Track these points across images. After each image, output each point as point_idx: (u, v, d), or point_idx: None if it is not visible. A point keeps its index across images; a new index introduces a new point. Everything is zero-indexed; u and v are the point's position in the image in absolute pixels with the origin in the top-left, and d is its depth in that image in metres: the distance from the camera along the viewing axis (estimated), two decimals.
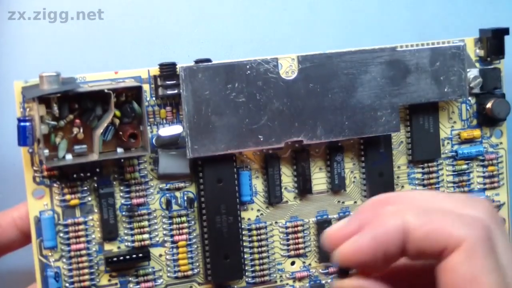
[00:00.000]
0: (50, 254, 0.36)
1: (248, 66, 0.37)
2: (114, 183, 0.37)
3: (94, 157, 0.35)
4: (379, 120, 0.39)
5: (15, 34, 0.41)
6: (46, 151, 0.35)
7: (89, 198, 0.37)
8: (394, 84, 0.39)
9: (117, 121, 0.36)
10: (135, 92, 0.36)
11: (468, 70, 0.41)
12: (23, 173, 0.37)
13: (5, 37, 0.41)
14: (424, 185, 0.42)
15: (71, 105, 0.35)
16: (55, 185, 0.36)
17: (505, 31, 0.42)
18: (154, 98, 0.37)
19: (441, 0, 0.47)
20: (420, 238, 0.27)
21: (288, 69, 0.39)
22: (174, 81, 0.37)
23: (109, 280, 0.38)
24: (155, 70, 0.37)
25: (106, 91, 0.35)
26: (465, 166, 0.43)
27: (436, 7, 0.47)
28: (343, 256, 0.28)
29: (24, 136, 0.34)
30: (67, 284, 0.37)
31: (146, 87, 0.37)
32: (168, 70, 0.37)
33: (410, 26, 0.47)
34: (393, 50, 0.39)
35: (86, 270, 0.37)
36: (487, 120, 0.43)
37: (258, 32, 0.44)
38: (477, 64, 0.43)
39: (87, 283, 0.37)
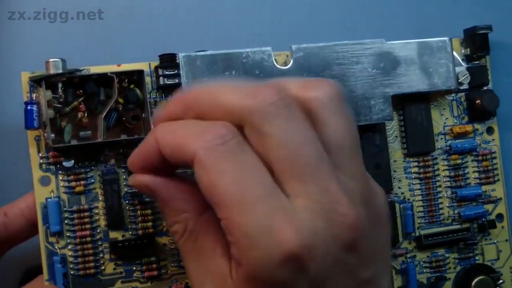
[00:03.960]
0: (56, 241, 0.40)
1: (244, 55, 0.42)
2: (118, 171, 0.41)
3: (99, 139, 0.40)
4: (373, 109, 0.44)
5: (15, 34, 0.44)
6: (52, 135, 0.39)
7: (94, 185, 0.41)
8: (385, 75, 0.44)
9: (120, 107, 0.40)
10: (137, 78, 0.41)
11: (456, 68, 0.47)
12: (22, 174, 0.41)
13: (5, 37, 0.44)
14: (420, 179, 0.47)
15: (76, 91, 0.40)
16: (61, 172, 0.40)
17: (488, 28, 0.48)
18: (155, 90, 0.42)
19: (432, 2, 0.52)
20: (168, 153, 0.33)
21: (283, 63, 0.44)
22: (175, 71, 0.42)
23: (114, 269, 0.41)
24: (156, 63, 0.42)
25: (109, 74, 0.40)
26: (459, 161, 0.48)
27: (429, 8, 0.52)
28: (128, 164, 0.36)
29: (31, 119, 0.39)
30: (72, 272, 0.40)
31: (147, 79, 0.42)
32: (168, 60, 0.42)
33: (409, 26, 0.51)
34: (382, 43, 0.45)
35: (91, 258, 0.40)
36: (478, 115, 0.48)
37: (259, 33, 0.48)
38: (464, 64, 0.48)
39: (92, 271, 0.40)
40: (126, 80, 0.41)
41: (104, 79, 0.40)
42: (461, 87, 0.47)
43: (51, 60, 0.39)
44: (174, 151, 0.33)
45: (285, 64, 0.43)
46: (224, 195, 0.31)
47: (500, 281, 0.47)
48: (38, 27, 0.45)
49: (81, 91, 0.40)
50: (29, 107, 0.39)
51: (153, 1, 0.47)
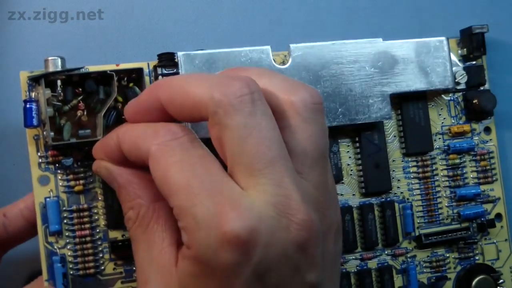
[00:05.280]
0: (55, 240, 0.40)
1: (242, 54, 0.43)
2: None
3: (98, 137, 0.40)
4: (371, 108, 0.45)
5: (15, 34, 0.45)
6: (52, 134, 0.39)
7: (94, 185, 0.41)
8: (383, 74, 0.45)
9: (119, 106, 0.41)
10: (136, 77, 0.41)
11: (453, 68, 0.48)
12: (22, 175, 0.41)
13: (5, 37, 0.44)
14: (419, 179, 0.47)
15: (75, 90, 0.40)
16: (59, 171, 0.41)
17: (484, 27, 0.48)
18: None
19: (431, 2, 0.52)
20: (127, 152, 0.36)
21: (281, 63, 0.44)
22: (173, 70, 0.42)
23: (114, 269, 0.41)
24: (155, 63, 0.42)
25: (108, 72, 0.40)
26: (458, 161, 0.48)
27: (429, 9, 0.52)
28: (92, 152, 0.39)
29: (30, 117, 0.39)
30: (72, 272, 0.40)
31: (146, 79, 0.42)
32: (167, 59, 0.42)
33: (409, 26, 0.52)
34: (379, 42, 0.45)
35: (91, 257, 0.40)
36: (476, 115, 0.48)
37: (258, 33, 0.49)
38: (460, 64, 0.49)
39: (92, 271, 0.41)
40: (125, 79, 0.41)
41: (103, 78, 0.40)
42: (458, 87, 0.48)
43: (50, 58, 0.39)
44: (131, 150, 0.35)
45: (284, 63, 0.44)
46: (173, 183, 0.32)
47: (501, 280, 0.48)
48: (38, 27, 0.45)
49: (80, 89, 0.40)
50: (28, 105, 0.39)
51: (153, 2, 0.47)
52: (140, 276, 0.35)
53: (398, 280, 0.46)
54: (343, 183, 0.46)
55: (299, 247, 0.32)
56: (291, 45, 0.44)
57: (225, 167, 0.34)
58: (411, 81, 0.46)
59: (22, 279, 0.43)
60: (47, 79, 0.39)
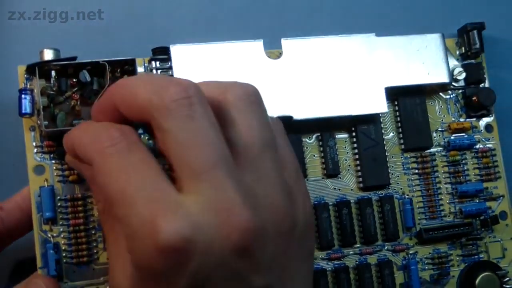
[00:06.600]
0: (49, 229, 0.41)
1: (235, 47, 0.44)
2: None
3: None
4: (366, 100, 0.45)
5: (15, 34, 0.46)
6: (46, 123, 0.40)
7: None
8: (378, 68, 0.45)
9: None
10: (129, 69, 0.42)
11: (452, 66, 0.48)
12: (22, 175, 0.42)
13: (5, 37, 0.46)
14: (419, 175, 0.47)
15: (70, 81, 0.41)
16: (55, 161, 0.42)
17: (480, 24, 0.49)
18: None
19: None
20: (80, 155, 0.36)
21: (275, 57, 0.45)
22: (168, 64, 0.43)
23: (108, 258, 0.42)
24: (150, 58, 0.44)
25: (101, 62, 0.41)
26: (458, 157, 0.48)
27: (429, 7, 0.53)
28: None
29: (24, 105, 0.40)
30: (66, 260, 0.41)
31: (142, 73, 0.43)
32: (161, 53, 0.43)
33: (408, 26, 0.52)
34: (374, 37, 0.46)
35: (84, 246, 0.41)
36: (475, 111, 0.49)
37: (259, 33, 0.48)
38: (458, 62, 0.49)
39: (85, 259, 0.41)
40: (118, 70, 0.42)
41: (97, 70, 0.42)
42: (457, 84, 0.48)
43: (45, 50, 0.41)
44: (81, 154, 0.35)
45: (277, 56, 0.45)
46: (110, 193, 0.32)
47: (507, 278, 0.47)
48: (38, 27, 0.46)
49: (75, 80, 0.41)
50: (22, 95, 0.40)
51: (153, 2, 0.49)
52: (109, 270, 0.35)
53: (399, 277, 0.46)
54: (340, 178, 0.46)
55: (241, 253, 0.31)
56: (283, 40, 0.45)
57: None
58: (406, 75, 0.46)
59: (7, 270, 0.44)
60: (42, 70, 0.41)
